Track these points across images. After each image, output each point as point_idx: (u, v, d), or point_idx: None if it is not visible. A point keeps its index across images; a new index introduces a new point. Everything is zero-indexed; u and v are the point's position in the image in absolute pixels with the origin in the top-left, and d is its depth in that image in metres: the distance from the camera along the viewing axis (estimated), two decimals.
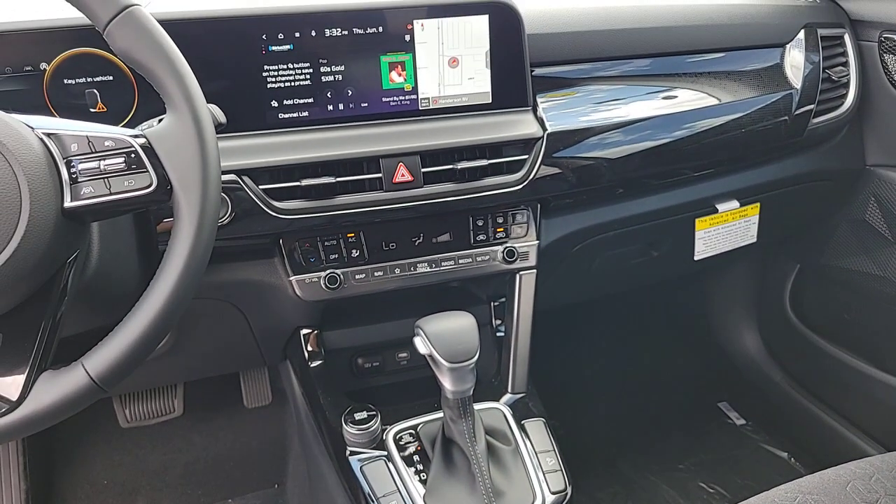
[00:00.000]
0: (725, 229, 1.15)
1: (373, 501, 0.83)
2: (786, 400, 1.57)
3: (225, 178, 0.79)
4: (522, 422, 0.92)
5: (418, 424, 0.90)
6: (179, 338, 0.95)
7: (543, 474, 0.86)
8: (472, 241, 0.94)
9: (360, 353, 1.05)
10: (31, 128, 0.56)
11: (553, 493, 0.84)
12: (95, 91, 0.77)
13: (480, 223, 0.94)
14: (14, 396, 0.54)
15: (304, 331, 0.99)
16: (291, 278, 0.88)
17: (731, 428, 1.64)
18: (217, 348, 1.06)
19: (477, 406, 0.86)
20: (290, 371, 1.08)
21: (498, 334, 1.06)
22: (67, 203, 0.55)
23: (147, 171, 0.57)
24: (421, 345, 0.80)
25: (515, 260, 0.95)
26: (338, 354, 1.03)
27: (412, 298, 1.02)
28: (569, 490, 0.86)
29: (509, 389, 0.98)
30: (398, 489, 0.83)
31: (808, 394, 1.52)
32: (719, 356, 1.72)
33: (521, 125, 0.90)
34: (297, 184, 0.81)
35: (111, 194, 0.56)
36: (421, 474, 0.84)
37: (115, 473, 1.47)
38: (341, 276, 0.89)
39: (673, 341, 1.81)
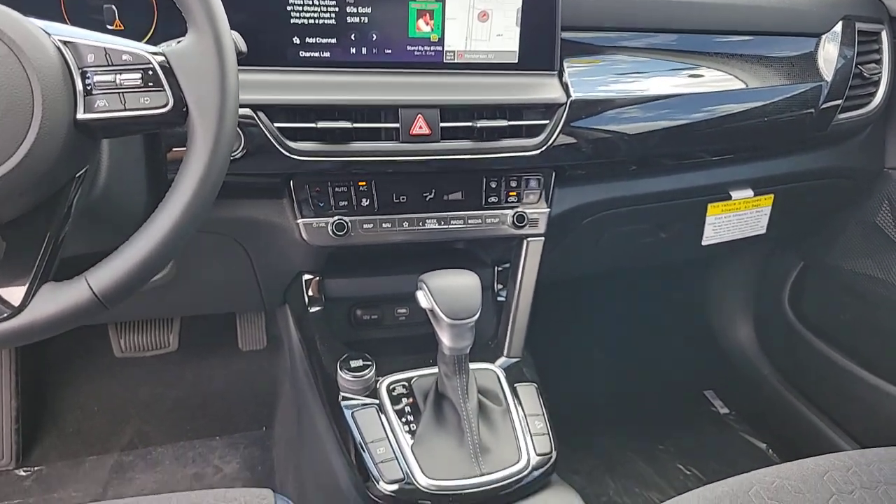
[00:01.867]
0: (737, 217, 1.14)
1: (362, 447, 0.84)
2: (771, 393, 1.58)
3: (240, 111, 0.77)
4: (515, 385, 0.93)
5: (412, 377, 0.91)
6: (181, 270, 0.95)
7: (531, 436, 0.87)
8: (484, 202, 0.94)
9: (359, 305, 1.06)
10: (48, 34, 0.55)
11: (539, 455, 0.85)
12: (114, 7, 0.75)
13: (493, 185, 0.93)
14: (16, 302, 0.54)
15: (307, 276, 0.99)
16: (299, 221, 0.88)
17: (715, 416, 1.66)
18: (218, 285, 1.06)
19: (472, 366, 0.86)
20: (288, 315, 1.09)
21: (499, 299, 1.06)
22: (80, 115, 0.54)
23: (164, 91, 0.55)
24: (423, 299, 0.80)
25: (525, 226, 0.95)
26: (337, 303, 1.03)
27: (416, 255, 1.02)
28: (554, 454, 0.87)
29: (505, 353, 0.98)
30: (387, 437, 0.84)
31: (794, 389, 1.54)
32: (712, 345, 1.73)
33: (545, 89, 0.88)
34: (313, 125, 0.80)
35: (125, 110, 0.55)
36: (411, 425, 0.85)
37: (106, 401, 1.49)
38: (349, 224, 0.88)
39: (668, 326, 1.82)
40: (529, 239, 0.97)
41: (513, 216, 0.94)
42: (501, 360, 0.98)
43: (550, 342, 1.60)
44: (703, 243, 1.15)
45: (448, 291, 0.79)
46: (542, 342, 1.13)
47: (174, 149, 0.78)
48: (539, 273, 0.99)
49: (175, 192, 0.56)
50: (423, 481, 0.81)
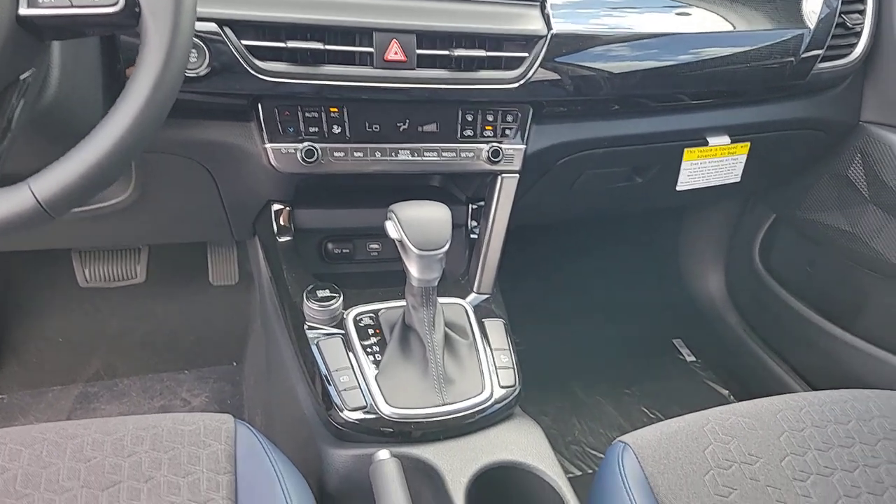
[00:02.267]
0: (712, 164, 1.14)
1: (326, 377, 0.84)
2: (737, 342, 1.63)
3: (205, 26, 0.74)
4: (483, 320, 0.93)
5: (380, 309, 0.91)
6: (144, 194, 0.92)
7: (496, 369, 0.88)
8: (459, 135, 0.92)
9: (331, 238, 1.04)
10: None
11: (503, 388, 0.86)
12: None
13: (470, 118, 0.91)
14: None
15: (276, 206, 0.97)
16: (267, 146, 0.85)
17: (682, 363, 1.71)
18: (184, 212, 1.04)
19: (441, 301, 0.86)
20: (258, 247, 1.07)
21: (472, 236, 1.05)
22: (23, 10, 0.51)
23: None
24: (392, 229, 0.79)
25: (500, 161, 0.93)
26: (308, 235, 1.02)
27: (391, 189, 1.00)
28: (518, 387, 0.88)
29: (475, 289, 0.98)
30: (351, 366, 0.84)
31: (758, 339, 1.59)
32: (682, 295, 1.76)
33: (526, 20, 0.85)
34: (283, 45, 0.77)
35: (72, 7, 0.52)
36: (376, 355, 0.85)
37: (71, 332, 1.47)
38: (319, 151, 0.85)
39: (640, 275, 1.85)
40: (504, 175, 0.96)
41: (488, 151, 0.93)
42: (471, 297, 0.98)
43: (523, 287, 1.62)
44: (678, 188, 1.15)
45: (417, 222, 0.78)
46: (514, 286, 1.13)
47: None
48: (512, 211, 0.99)
49: (126, 98, 0.54)
50: (385, 409, 0.81)
